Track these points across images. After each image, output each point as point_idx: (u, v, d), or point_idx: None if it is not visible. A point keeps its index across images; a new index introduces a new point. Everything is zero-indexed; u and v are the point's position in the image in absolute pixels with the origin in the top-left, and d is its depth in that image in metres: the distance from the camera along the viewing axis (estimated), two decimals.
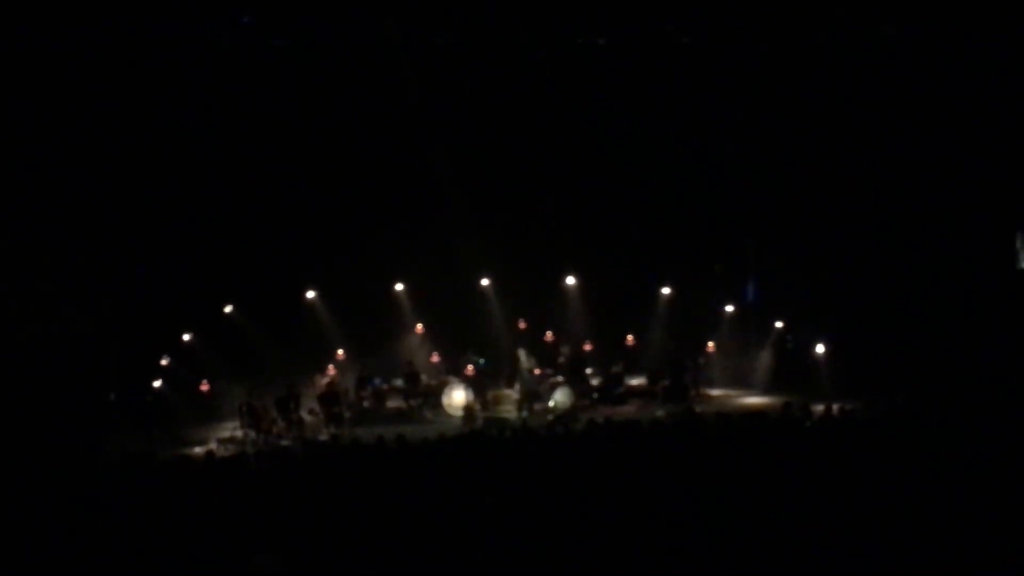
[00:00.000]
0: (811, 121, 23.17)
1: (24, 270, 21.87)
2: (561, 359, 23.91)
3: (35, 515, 12.23)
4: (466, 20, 21.78)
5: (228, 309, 24.49)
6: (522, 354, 22.92)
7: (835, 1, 21.80)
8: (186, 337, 24.01)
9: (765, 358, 24.57)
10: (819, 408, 17.80)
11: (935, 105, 22.51)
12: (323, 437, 20.80)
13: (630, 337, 24.74)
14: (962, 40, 21.93)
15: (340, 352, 24.38)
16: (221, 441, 21.52)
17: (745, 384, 24.57)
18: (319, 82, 22.59)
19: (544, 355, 23.92)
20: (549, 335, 24.59)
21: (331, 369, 23.76)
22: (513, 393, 23.03)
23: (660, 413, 20.82)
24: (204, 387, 23.23)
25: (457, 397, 22.85)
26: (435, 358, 24.59)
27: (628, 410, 22.67)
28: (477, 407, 22.76)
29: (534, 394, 22.79)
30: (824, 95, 22.83)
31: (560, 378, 23.28)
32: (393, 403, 23.79)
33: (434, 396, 23.34)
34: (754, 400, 23.24)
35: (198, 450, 20.40)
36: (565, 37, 22.42)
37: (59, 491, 13.30)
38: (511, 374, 23.35)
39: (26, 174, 21.73)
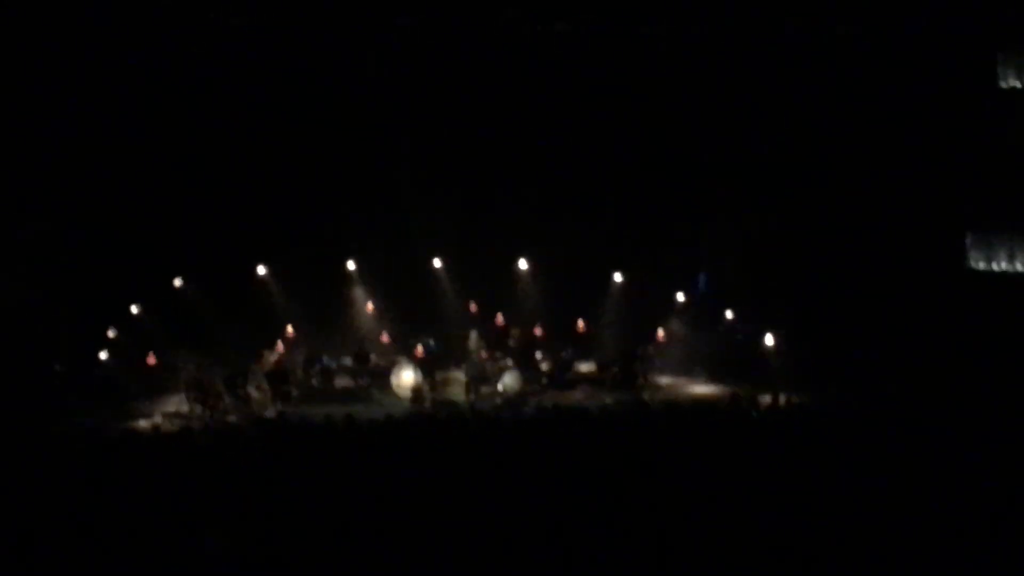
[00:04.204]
0: (766, 116, 23.30)
1: None
2: (511, 343, 23.91)
3: None
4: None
5: (177, 282, 24.26)
6: (472, 336, 22.85)
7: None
8: (134, 309, 23.78)
9: (714, 347, 24.66)
10: (766, 399, 17.95)
11: (887, 103, 22.73)
12: (270, 414, 20.71)
13: (581, 323, 24.77)
14: (912, 41, 22.19)
15: (289, 329, 24.22)
16: (166, 415, 21.33)
17: (694, 373, 24.65)
18: (273, 58, 22.42)
19: (494, 338, 23.92)
20: (499, 318, 24.56)
21: (280, 346, 23.62)
22: (462, 376, 22.97)
23: (608, 400, 20.83)
24: (151, 360, 22.98)
25: (406, 378, 22.72)
26: (385, 338, 24.48)
27: (576, 396, 22.68)
28: (426, 389, 22.71)
29: (482, 378, 22.77)
30: (779, 92, 22.96)
31: (509, 362, 23.27)
32: (341, 382, 23.66)
33: (383, 376, 23.24)
34: (702, 389, 23.33)
35: (143, 424, 20.27)
36: (525, 21, 22.37)
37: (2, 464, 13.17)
38: (460, 357, 23.30)
39: None
